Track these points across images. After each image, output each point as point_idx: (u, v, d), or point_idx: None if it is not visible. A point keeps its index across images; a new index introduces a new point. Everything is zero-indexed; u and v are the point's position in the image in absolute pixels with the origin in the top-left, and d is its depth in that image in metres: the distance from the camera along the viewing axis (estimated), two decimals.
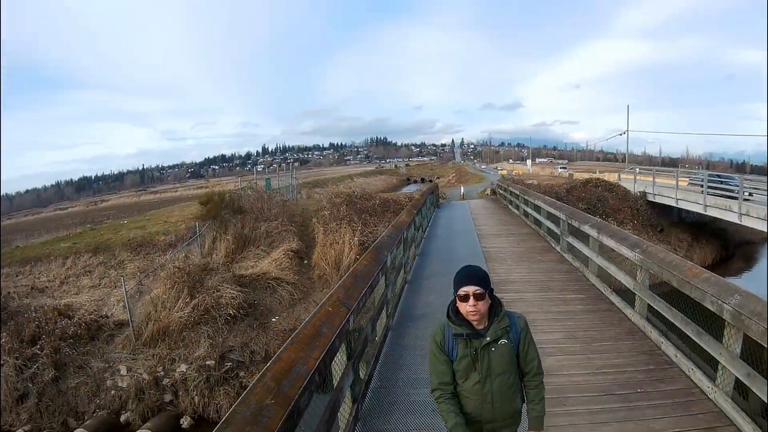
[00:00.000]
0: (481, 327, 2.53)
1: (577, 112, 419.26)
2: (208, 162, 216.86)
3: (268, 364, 2.91)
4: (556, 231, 11.85)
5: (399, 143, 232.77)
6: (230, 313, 12.98)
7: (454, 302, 2.57)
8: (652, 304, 6.12)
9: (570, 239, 10.46)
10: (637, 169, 30.10)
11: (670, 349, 5.57)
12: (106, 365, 11.72)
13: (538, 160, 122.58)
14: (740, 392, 4.28)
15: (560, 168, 66.64)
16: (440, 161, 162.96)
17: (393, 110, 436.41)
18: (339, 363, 3.84)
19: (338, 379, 3.78)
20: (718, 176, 21.48)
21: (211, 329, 12.47)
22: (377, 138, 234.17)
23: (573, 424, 4.30)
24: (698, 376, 4.89)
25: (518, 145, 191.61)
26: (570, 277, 9.33)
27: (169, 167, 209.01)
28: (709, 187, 18.42)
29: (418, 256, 11.74)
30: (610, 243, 7.63)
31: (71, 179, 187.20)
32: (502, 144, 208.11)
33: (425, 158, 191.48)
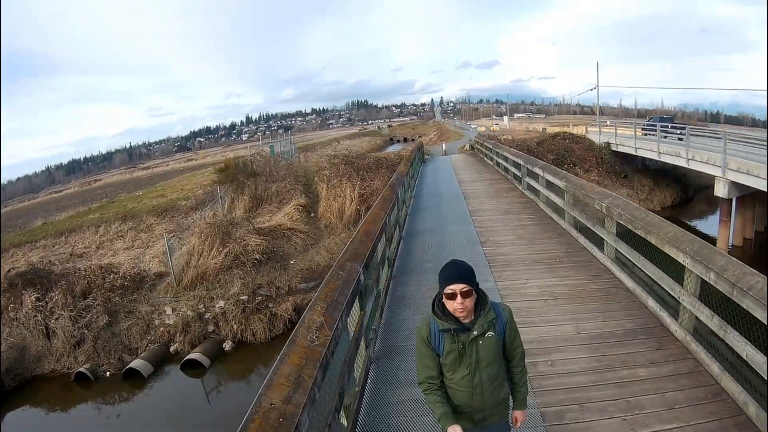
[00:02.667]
0: (467, 321, 2.54)
1: (554, 68, 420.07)
2: (194, 135, 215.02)
3: (358, 227, 6.00)
4: (518, 174, 15.00)
5: (380, 105, 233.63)
6: (256, 258, 15.34)
7: (439, 297, 2.58)
8: (573, 215, 9.29)
9: (528, 179, 13.60)
10: (608, 122, 32.79)
11: (582, 239, 8.78)
12: (153, 308, 13.67)
13: (516, 115, 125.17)
14: (617, 256, 7.38)
15: (495, 124, 66.38)
16: (421, 120, 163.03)
17: (373, 73, 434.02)
18: (382, 242, 6.87)
19: (381, 252, 6.82)
20: (656, 122, 24.34)
21: (242, 272, 14.69)
22: (358, 101, 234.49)
23: (515, 275, 7.46)
24: (596, 252, 8.02)
25: (496, 101, 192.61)
26: (526, 206, 12.52)
27: (156, 143, 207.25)
28: (645, 131, 20.98)
29: (414, 198, 14.81)
30: (549, 177, 10.87)
31: (61, 163, 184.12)
32: (481, 101, 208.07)
33: (406, 118, 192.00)
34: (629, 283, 6.61)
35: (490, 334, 2.56)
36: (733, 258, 4.42)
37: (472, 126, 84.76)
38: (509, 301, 6.35)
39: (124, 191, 35.10)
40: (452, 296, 2.46)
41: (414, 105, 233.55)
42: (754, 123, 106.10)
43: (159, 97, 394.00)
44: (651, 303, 5.88)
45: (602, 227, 7.61)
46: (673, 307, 5.47)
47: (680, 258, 5.02)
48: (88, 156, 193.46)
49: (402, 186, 11.44)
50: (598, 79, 39.94)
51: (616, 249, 7.18)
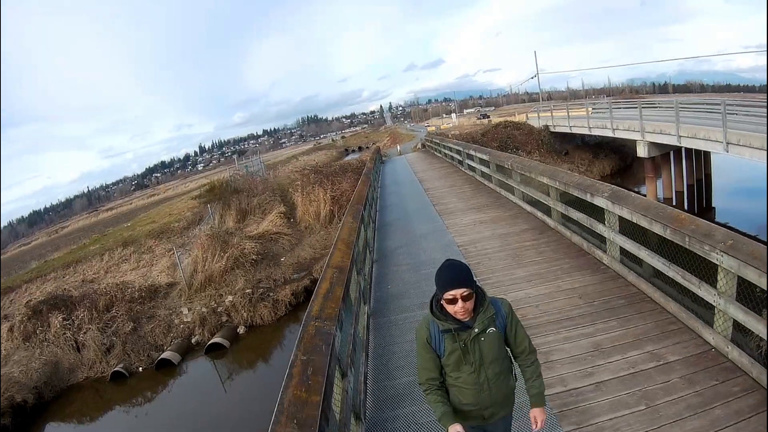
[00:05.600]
0: (467, 319, 2.51)
1: (500, 59, 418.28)
2: (149, 171, 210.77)
3: (353, 195, 9.42)
4: (461, 159, 18.63)
5: (330, 118, 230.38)
6: (253, 259, 17.89)
7: (437, 298, 2.54)
8: (496, 177, 12.93)
9: (468, 161, 17.26)
10: (552, 106, 34.63)
11: (503, 192, 12.46)
12: (171, 311, 15.26)
13: (465, 111, 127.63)
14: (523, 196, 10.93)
15: (437, 125, 65.85)
16: (372, 128, 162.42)
17: (319, 87, 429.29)
18: (367, 209, 10.21)
19: (368, 211, 10.17)
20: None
21: (243, 271, 17.03)
22: (308, 117, 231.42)
23: (456, 217, 11.07)
24: (511, 197, 11.65)
25: (445, 99, 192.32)
26: (467, 181, 16.20)
27: (113, 184, 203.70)
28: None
29: (379, 188, 18.31)
30: (479, 155, 14.61)
31: (22, 216, 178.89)
32: (429, 101, 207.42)
33: (357, 128, 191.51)
34: (529, 208, 10.30)
35: (491, 330, 2.55)
36: (568, 171, 8.02)
37: (417, 126, 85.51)
38: (452, 228, 10.01)
39: (98, 231, 36.85)
40: (453, 301, 2.43)
41: (364, 114, 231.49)
42: (702, 89, 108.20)
43: (111, 138, 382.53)
44: (539, 214, 9.59)
45: (511, 178, 11.26)
46: (549, 211, 9.05)
47: (545, 180, 8.70)
48: (48, 206, 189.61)
49: (373, 176, 14.89)
50: (537, 66, 44.08)
51: (521, 191, 10.79)
